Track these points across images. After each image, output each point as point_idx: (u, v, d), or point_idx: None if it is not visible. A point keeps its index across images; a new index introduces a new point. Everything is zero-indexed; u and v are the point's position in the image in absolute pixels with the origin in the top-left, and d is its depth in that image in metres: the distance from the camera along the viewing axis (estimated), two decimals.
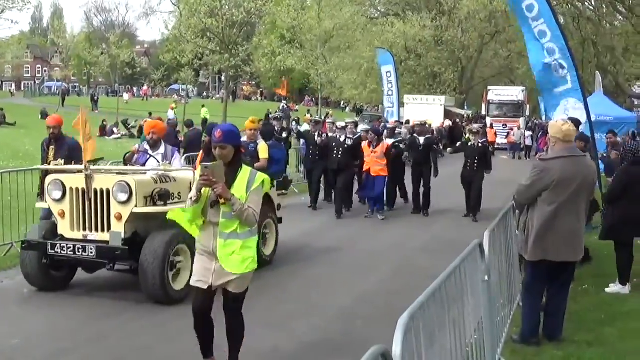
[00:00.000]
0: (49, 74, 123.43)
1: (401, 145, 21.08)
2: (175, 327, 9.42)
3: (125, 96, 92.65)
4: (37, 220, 14.28)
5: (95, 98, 74.77)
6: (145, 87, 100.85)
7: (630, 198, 11.03)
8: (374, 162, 19.26)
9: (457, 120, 52.41)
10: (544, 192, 8.16)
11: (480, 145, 19.51)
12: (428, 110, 48.64)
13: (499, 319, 8.12)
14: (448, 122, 49.70)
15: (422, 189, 20.36)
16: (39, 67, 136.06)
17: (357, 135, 20.49)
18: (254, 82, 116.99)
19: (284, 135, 22.47)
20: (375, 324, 9.71)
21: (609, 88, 45.44)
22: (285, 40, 64.63)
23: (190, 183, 10.82)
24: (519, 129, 48.01)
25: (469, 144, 19.73)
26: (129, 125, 50.22)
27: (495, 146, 47.64)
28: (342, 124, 20.77)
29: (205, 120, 46.09)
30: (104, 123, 47.98)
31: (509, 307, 9.09)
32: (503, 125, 49.37)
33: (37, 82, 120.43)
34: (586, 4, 46.12)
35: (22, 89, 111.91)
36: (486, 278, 7.33)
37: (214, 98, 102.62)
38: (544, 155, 8.95)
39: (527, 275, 8.73)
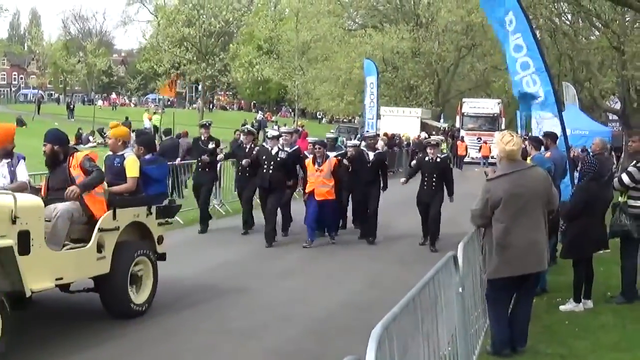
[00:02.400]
0: (25, 82, 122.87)
1: (345, 161, 18.00)
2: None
3: (99, 103, 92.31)
4: None
5: (72, 106, 74.44)
6: (113, 96, 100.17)
7: (589, 215, 11.05)
8: (320, 182, 16.62)
9: (434, 132, 52.47)
10: (495, 211, 8.18)
11: (439, 160, 17.04)
12: (404, 123, 48.86)
13: (472, 330, 8.13)
14: (424, 135, 49.78)
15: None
16: (15, 74, 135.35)
17: (294, 148, 17.91)
18: (230, 93, 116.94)
19: (210, 146, 18.42)
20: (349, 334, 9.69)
21: (585, 102, 45.65)
22: (262, 51, 64.57)
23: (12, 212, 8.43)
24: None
25: (426, 158, 17.12)
26: (104, 134, 50.01)
27: (467, 159, 47.95)
28: (274, 132, 18.11)
29: (155, 128, 45.79)
30: (80, 131, 47.76)
31: (483, 319, 9.10)
32: (477, 138, 49.41)
33: (13, 89, 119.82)
34: (562, 18, 46.37)
35: None
36: (460, 290, 7.35)
37: (190, 108, 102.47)
38: (490, 175, 8.98)
39: (488, 289, 8.70)
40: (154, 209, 11.11)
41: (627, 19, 40.00)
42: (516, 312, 8.71)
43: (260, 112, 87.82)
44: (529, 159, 13.42)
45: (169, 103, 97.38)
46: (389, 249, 16.95)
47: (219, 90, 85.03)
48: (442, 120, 64.31)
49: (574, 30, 46.24)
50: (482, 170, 44.39)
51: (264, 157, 16.99)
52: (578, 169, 15.02)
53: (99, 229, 9.76)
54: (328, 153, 17.62)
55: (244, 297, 11.86)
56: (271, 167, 16.73)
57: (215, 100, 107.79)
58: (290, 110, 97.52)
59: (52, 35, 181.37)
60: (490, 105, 53.74)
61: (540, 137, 15.19)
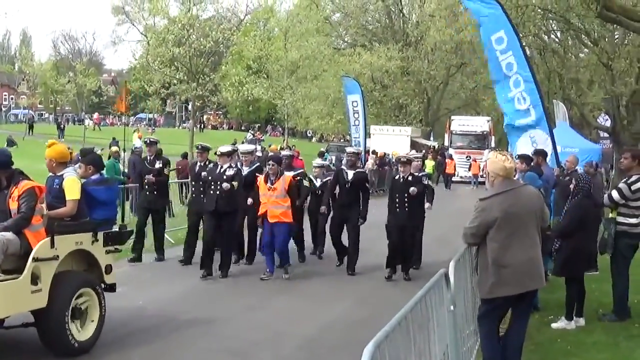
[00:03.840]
0: (15, 102, 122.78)
1: (305, 182, 16.83)
2: None
3: (88, 122, 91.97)
4: None
5: (62, 126, 74.32)
6: (96, 115, 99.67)
7: (582, 232, 11.06)
8: (273, 202, 14.71)
9: (423, 151, 52.38)
10: (490, 230, 8.12)
11: (410, 179, 15.11)
12: (394, 141, 48.71)
13: (465, 349, 8.10)
14: (414, 153, 49.71)
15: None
16: (5, 95, 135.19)
17: (253, 167, 16.39)
18: (220, 112, 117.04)
19: (157, 165, 16.45)
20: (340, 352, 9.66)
21: (575, 120, 45.85)
22: (251, 70, 64.65)
23: None
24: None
25: (396, 177, 15.60)
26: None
27: (455, 178, 47.70)
28: (227, 148, 15.72)
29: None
30: (70, 150, 47.65)
31: (475, 337, 9.06)
32: (467, 157, 49.18)
33: (3, 109, 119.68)
34: (552, 36, 46.59)
35: None
36: (452, 308, 7.31)
37: (180, 127, 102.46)
38: (484, 193, 8.91)
39: (482, 309, 8.53)
40: (100, 235, 10.05)
41: (616, 35, 40.23)
42: (512, 331, 8.62)
43: (250, 131, 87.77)
44: (516, 176, 13.43)
45: (158, 124, 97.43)
46: (365, 279, 15.20)
47: (208, 109, 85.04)
48: (432, 139, 64.43)
49: (563, 48, 46.44)
50: (472, 189, 44.55)
51: (209, 177, 15.13)
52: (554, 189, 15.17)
53: (33, 258, 8.79)
54: (287, 172, 15.83)
55: (211, 327, 11.03)
56: (219, 188, 14.80)
57: (205, 120, 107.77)
58: (281, 129, 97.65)
59: (42, 56, 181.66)
60: (479, 123, 53.53)
61: (531, 154, 15.23)
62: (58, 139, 65.06)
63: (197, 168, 16.25)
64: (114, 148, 25.88)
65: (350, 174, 16.01)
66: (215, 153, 15.60)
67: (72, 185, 9.81)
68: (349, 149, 18.17)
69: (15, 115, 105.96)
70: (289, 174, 15.64)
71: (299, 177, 16.40)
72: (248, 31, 62.51)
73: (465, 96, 66.14)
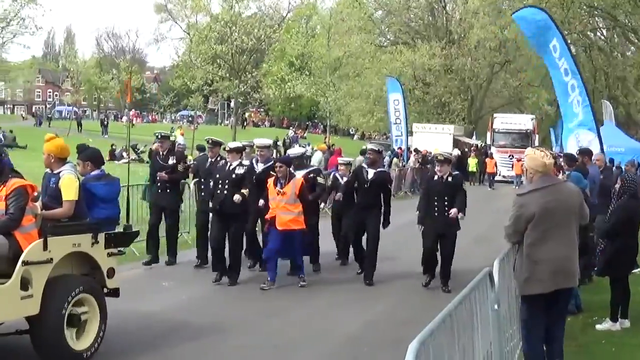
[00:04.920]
0: (59, 99, 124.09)
1: (320, 180, 15.35)
2: None
3: (124, 118, 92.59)
4: None
5: (105, 123, 74.95)
6: (132, 112, 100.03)
7: (628, 232, 10.94)
8: (283, 208, 13.43)
9: (466, 149, 51.94)
10: (528, 226, 8.02)
11: (450, 179, 13.76)
12: (437, 139, 48.24)
13: (508, 348, 8.01)
14: (457, 152, 49.35)
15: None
16: (50, 92, 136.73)
17: (268, 164, 14.84)
18: (262, 110, 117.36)
19: (170, 162, 15.27)
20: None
21: (620, 119, 45.35)
22: (294, 68, 64.72)
23: None
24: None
25: (435, 177, 13.99)
26: (138, 150, 50.26)
27: (498, 178, 46.80)
28: (236, 144, 14.66)
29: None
30: (113, 147, 48.06)
31: (518, 337, 8.97)
32: (509, 155, 48.35)
33: (48, 106, 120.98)
34: (598, 34, 46.13)
35: (34, 112, 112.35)
36: (496, 307, 7.25)
37: (222, 124, 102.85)
38: (521, 189, 8.78)
39: (524, 312, 8.35)
40: (101, 236, 9.33)
41: None
42: (551, 331, 8.55)
43: (291, 128, 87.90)
44: (562, 176, 13.31)
45: (201, 121, 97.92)
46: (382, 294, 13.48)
47: (250, 107, 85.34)
48: (474, 137, 64.07)
49: (609, 46, 45.93)
50: (514, 189, 43.98)
51: (217, 175, 14.02)
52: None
53: (23, 262, 8.17)
54: (297, 172, 14.44)
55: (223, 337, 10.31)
56: (226, 187, 13.70)
57: (247, 117, 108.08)
58: (322, 126, 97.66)
59: (86, 53, 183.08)
60: (523, 121, 52.29)
61: (576, 154, 15.09)
62: (101, 135, 65.84)
63: (208, 164, 15.27)
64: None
65: (371, 173, 14.64)
66: (224, 148, 14.66)
67: (69, 185, 9.15)
68: (369, 146, 16.50)
69: (60, 112, 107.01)
70: (300, 174, 14.39)
71: (312, 174, 15.07)
72: (290, 28, 62.63)
73: (509, 94, 65.61)
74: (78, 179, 9.36)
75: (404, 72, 55.83)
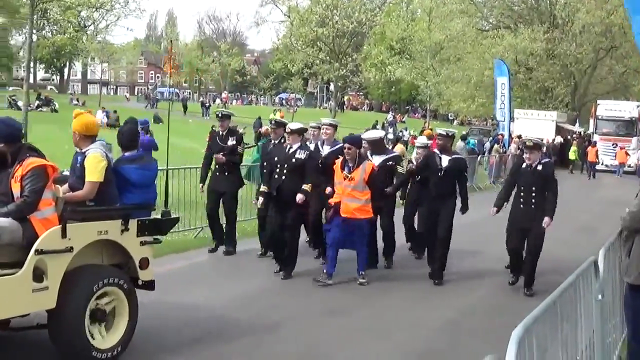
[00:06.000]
0: (161, 80, 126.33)
1: (400, 169, 14.14)
2: None
3: (217, 101, 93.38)
4: None
5: (206, 104, 75.98)
6: (224, 94, 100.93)
7: None
8: (349, 195, 12.32)
9: (569, 137, 51.07)
10: None
11: (541, 168, 12.45)
12: (539, 126, 47.54)
13: (610, 339, 7.86)
14: (559, 139, 48.56)
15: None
16: (152, 73, 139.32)
17: (334, 148, 13.62)
18: (361, 93, 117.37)
19: (230, 142, 14.37)
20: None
21: None
22: (394, 51, 64.48)
23: None
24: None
25: (523, 165, 12.68)
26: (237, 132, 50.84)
27: (600, 167, 45.78)
28: (297, 125, 13.30)
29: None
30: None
31: (621, 328, 8.80)
32: (613, 144, 47.27)
33: (150, 87, 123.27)
34: None
35: (136, 93, 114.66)
36: (600, 297, 7.12)
37: (321, 107, 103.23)
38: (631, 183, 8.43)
39: (629, 297, 7.76)
40: (133, 223, 8.50)
41: None
42: None
43: (390, 112, 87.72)
44: None
45: (300, 104, 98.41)
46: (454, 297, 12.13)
47: (349, 90, 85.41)
48: (577, 125, 62.90)
49: None
50: (617, 178, 42.89)
51: (275, 158, 13.00)
52: None
53: (36, 250, 7.41)
54: (374, 158, 13.62)
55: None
56: (284, 172, 12.69)
57: (345, 101, 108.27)
58: (422, 110, 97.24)
59: (187, 36, 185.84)
60: (628, 108, 50.85)
61: None
62: (202, 117, 66.73)
63: (271, 146, 14.26)
64: (265, 128, 25.50)
65: (445, 159, 13.18)
66: (285, 130, 13.57)
67: (93, 164, 8.31)
68: (438, 130, 14.45)
69: (161, 93, 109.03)
70: (378, 160, 13.55)
71: (391, 162, 13.85)
72: (391, 12, 62.40)
73: (615, 81, 64.11)
74: (108, 158, 8.49)
75: (506, 57, 55.10)
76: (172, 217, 9.42)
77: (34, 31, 21.20)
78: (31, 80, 21.01)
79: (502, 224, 12.98)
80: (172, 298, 10.51)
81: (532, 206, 12.32)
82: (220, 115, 14.84)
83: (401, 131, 57.24)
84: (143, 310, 8.59)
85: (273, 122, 14.80)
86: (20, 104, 45.35)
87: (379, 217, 13.78)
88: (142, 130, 21.15)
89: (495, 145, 40.51)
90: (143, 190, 8.88)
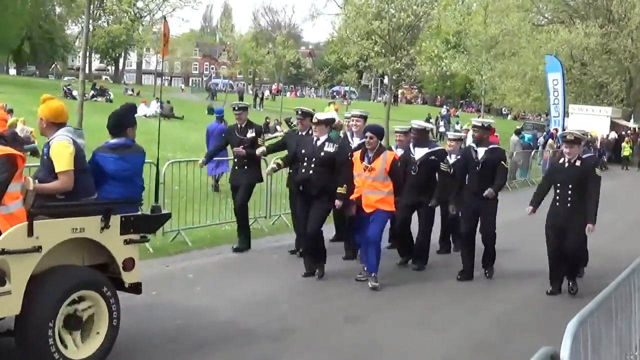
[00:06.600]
0: (216, 71, 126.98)
1: (444, 166, 13.21)
2: None
3: (266, 93, 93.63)
4: (203, 208, 14.87)
5: (261, 96, 76.25)
6: (274, 86, 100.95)
7: None
8: (369, 186, 11.67)
9: (623, 133, 50.66)
10: None
11: (579, 164, 11.60)
12: (593, 121, 47.31)
13: None
14: (614, 135, 48.24)
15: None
16: (206, 65, 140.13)
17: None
18: (415, 87, 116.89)
19: (249, 135, 13.87)
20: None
21: None
22: (449, 45, 64.10)
23: None
24: None
25: (560, 161, 11.87)
26: (291, 123, 51.00)
27: None
28: (325, 115, 12.85)
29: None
30: (267, 120, 48.99)
31: None
32: None
33: (204, 78, 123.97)
34: None
35: (190, 84, 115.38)
36: None
37: (375, 101, 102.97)
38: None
39: None
40: (115, 219, 7.60)
41: None
42: None
43: (444, 106, 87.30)
44: None
45: (355, 97, 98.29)
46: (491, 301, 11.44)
47: (403, 83, 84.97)
48: (632, 121, 62.17)
49: None
50: None
51: (302, 151, 12.06)
52: None
53: None
54: (397, 150, 13.35)
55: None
56: (312, 166, 11.81)
57: (399, 94, 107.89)
58: (475, 105, 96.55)
59: (242, 27, 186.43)
60: None
61: None
62: (254, 108, 66.98)
63: (298, 137, 13.20)
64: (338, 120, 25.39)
65: (481, 152, 12.49)
66: (311, 120, 12.47)
67: (59, 152, 7.45)
68: (473, 121, 13.48)
69: (216, 84, 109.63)
70: (421, 153, 13.03)
71: (434, 157, 13.14)
72: (447, 5, 62.04)
73: None
74: (76, 145, 7.62)
75: (560, 52, 54.59)
76: (162, 213, 8.50)
77: (90, 21, 21.45)
78: (86, 70, 21.35)
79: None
80: (167, 301, 10.18)
81: (568, 205, 11.49)
82: (236, 107, 14.24)
83: (457, 122, 57.20)
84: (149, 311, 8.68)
85: (300, 112, 13.72)
86: (75, 93, 45.89)
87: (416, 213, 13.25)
88: (217, 119, 21.62)
89: (550, 140, 40.27)
90: (125, 183, 7.96)
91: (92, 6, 23.08)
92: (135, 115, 8.56)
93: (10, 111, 27.94)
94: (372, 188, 11.60)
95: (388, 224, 12.62)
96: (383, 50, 45.99)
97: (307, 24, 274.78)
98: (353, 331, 9.42)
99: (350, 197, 11.66)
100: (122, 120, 8.25)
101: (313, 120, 12.12)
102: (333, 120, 13.08)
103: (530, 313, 10.94)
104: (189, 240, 14.17)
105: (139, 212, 8.12)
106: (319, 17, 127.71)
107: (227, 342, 8.67)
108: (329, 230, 13.39)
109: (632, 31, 57.99)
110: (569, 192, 11.48)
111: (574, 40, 54.27)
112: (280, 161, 12.68)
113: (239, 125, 14.05)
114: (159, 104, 49.42)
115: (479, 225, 12.78)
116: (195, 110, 54.14)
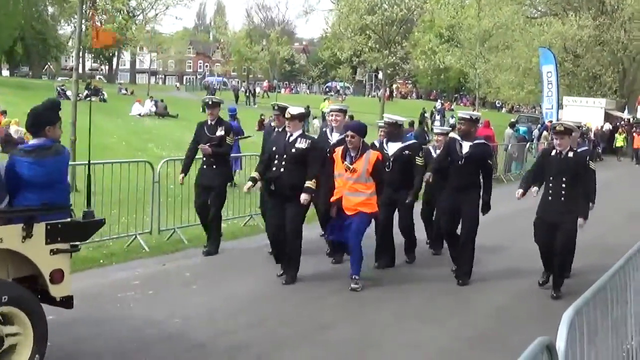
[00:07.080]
0: (210, 69, 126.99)
1: (419, 160, 12.60)
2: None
3: (258, 90, 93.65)
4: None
5: (252, 92, 76.31)
6: (265, 83, 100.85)
7: None
8: (351, 188, 11.03)
9: (617, 124, 50.74)
10: None
11: (572, 155, 11.07)
12: (588, 113, 47.41)
13: None
14: (608, 126, 48.35)
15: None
16: (200, 62, 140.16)
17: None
18: (409, 81, 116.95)
19: (218, 132, 13.11)
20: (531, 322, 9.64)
21: None
22: (443, 39, 64.13)
23: None
24: None
25: (552, 153, 11.24)
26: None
27: None
28: (298, 110, 11.68)
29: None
30: (262, 117, 48.94)
31: None
32: None
33: (198, 76, 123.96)
34: None
35: (184, 82, 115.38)
36: None
37: (369, 96, 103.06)
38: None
39: None
40: (40, 227, 6.84)
41: None
42: None
43: (439, 100, 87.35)
44: None
45: (350, 92, 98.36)
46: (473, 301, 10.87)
47: (398, 78, 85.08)
48: (626, 112, 62.23)
49: None
50: None
51: (274, 148, 11.47)
52: None
53: None
54: (389, 144, 12.66)
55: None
56: (283, 163, 11.20)
57: (394, 89, 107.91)
58: (470, 98, 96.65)
59: (236, 25, 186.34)
60: None
61: None
62: (247, 105, 67.00)
63: (274, 135, 12.51)
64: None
65: (466, 146, 11.73)
66: (284, 115, 11.78)
67: None
68: (459, 113, 12.56)
69: (210, 82, 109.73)
70: (393, 148, 12.54)
71: (407, 151, 12.52)
72: None
73: None
74: None
75: (554, 44, 54.62)
76: (95, 219, 7.58)
77: (83, 21, 21.31)
78: (80, 70, 21.28)
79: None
80: (164, 299, 10.06)
81: (562, 198, 10.93)
82: (210, 102, 13.50)
83: (452, 116, 57.28)
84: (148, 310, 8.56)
85: (276, 107, 13.15)
86: (69, 93, 45.79)
87: (397, 210, 12.68)
88: (230, 117, 21.47)
89: (544, 133, 40.33)
90: (43, 189, 7.09)
91: (84, 6, 22.97)
92: (59, 111, 7.58)
93: (4, 112, 27.96)
94: (353, 190, 11.01)
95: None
96: (377, 45, 46.00)
97: (301, 20, 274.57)
98: (349, 326, 9.39)
99: (331, 199, 11.23)
100: (39, 119, 7.39)
101: (286, 116, 11.45)
102: (307, 114, 12.05)
103: (526, 305, 10.93)
104: (185, 239, 14.14)
105: (69, 219, 7.27)
106: (312, 13, 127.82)
107: (225, 339, 8.62)
108: (311, 229, 13.41)
109: (625, 22, 58.06)
110: (563, 184, 10.96)
111: (567, 32, 54.31)
112: (254, 174, 11.74)
113: (209, 122, 13.32)
114: (152, 102, 49.39)
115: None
116: (189, 108, 54.04)
